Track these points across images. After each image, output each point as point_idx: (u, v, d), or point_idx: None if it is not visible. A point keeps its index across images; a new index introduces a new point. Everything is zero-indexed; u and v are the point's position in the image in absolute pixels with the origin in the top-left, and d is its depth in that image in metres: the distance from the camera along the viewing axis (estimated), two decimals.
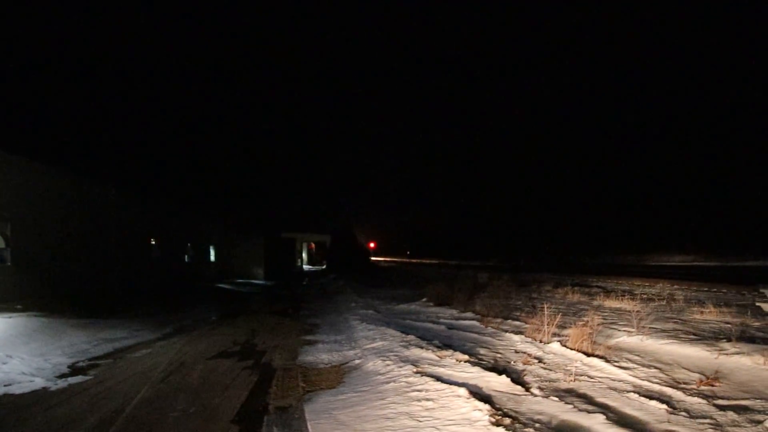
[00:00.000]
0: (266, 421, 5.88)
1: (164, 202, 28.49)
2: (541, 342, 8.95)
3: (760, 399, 5.53)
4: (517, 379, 6.73)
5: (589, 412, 5.24)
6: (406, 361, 7.90)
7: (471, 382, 6.47)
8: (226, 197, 50.42)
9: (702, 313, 10.90)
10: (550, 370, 7.23)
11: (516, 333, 9.94)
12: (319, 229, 60.84)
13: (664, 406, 5.40)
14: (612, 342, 8.78)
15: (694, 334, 8.90)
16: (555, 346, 8.48)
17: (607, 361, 7.44)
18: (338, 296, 22.44)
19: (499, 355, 8.37)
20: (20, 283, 14.45)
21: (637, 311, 9.98)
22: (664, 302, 12.94)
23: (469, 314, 13.01)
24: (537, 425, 5.05)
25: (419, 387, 6.37)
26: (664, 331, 9.29)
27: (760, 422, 4.85)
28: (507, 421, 5.10)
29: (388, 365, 7.80)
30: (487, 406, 5.38)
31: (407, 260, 79.15)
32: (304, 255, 65.18)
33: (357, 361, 8.73)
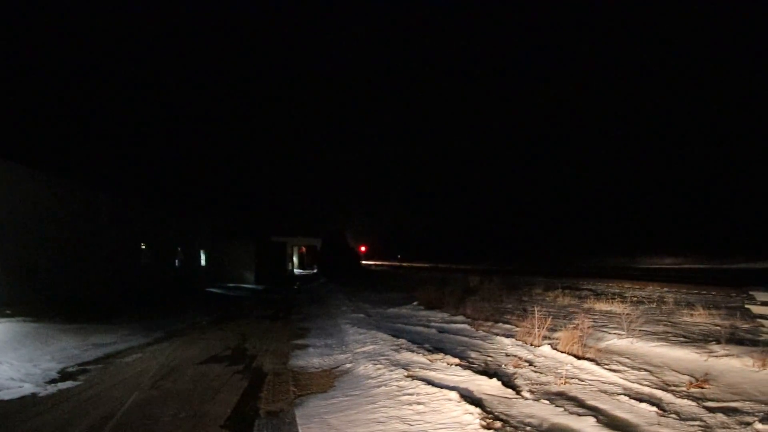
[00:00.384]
0: (257, 426, 5.85)
1: (154, 206, 28.35)
2: (531, 345, 8.97)
3: (749, 401, 5.57)
4: (508, 382, 6.73)
5: (579, 415, 5.25)
6: (397, 364, 7.89)
7: (462, 385, 6.47)
8: (216, 201, 50.32)
9: (692, 315, 10.97)
10: (541, 373, 7.24)
11: (507, 336, 9.96)
12: (310, 233, 60.71)
13: (655, 409, 5.42)
14: (602, 345, 8.82)
15: (684, 337, 8.95)
16: (546, 349, 8.50)
17: (598, 363, 7.46)
18: (329, 300, 22.41)
19: (489, 359, 8.38)
20: (9, 288, 14.33)
21: (628, 314, 10.02)
22: (654, 305, 13.01)
23: (460, 318, 13.02)
24: (528, 428, 5.06)
25: (410, 391, 6.37)
26: (654, 333, 9.33)
27: (749, 424, 4.87)
28: (498, 424, 5.10)
29: (379, 369, 7.79)
30: (477, 410, 5.38)
31: (398, 264, 79.05)
32: (295, 259, 65.07)
33: (348, 365, 8.72)
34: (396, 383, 6.83)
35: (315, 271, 57.80)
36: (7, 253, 14.45)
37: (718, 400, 5.72)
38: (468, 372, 7.08)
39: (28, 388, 7.70)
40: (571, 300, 15.33)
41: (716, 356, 7.17)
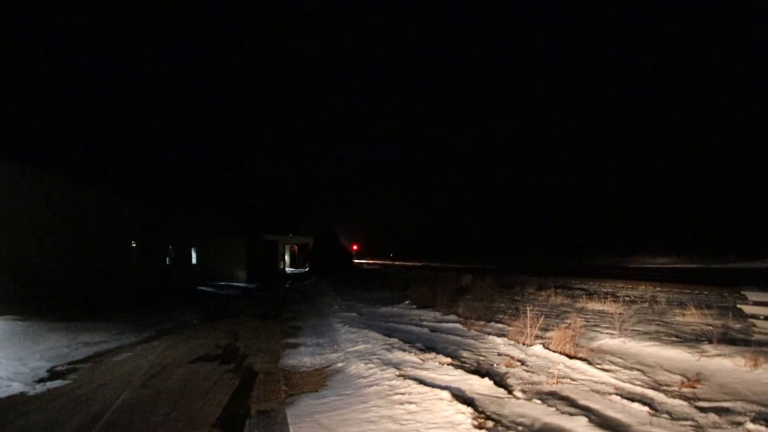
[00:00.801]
0: (248, 425, 5.82)
1: (145, 204, 28.23)
2: (524, 345, 8.96)
3: (741, 401, 5.57)
4: (500, 381, 6.72)
5: (571, 414, 5.23)
6: (389, 364, 7.87)
7: (454, 385, 6.45)
8: (208, 199, 50.19)
9: (684, 315, 10.99)
10: (533, 372, 7.23)
11: (499, 336, 9.95)
12: (302, 231, 60.72)
13: (646, 408, 5.42)
14: (595, 344, 8.82)
15: (676, 336, 8.97)
16: (538, 348, 8.49)
17: (590, 363, 7.45)
18: (321, 299, 22.37)
19: (482, 358, 8.36)
20: None
21: (620, 313, 10.03)
22: (646, 304, 13.04)
23: (452, 317, 13.00)
24: (519, 428, 5.04)
25: (402, 390, 6.34)
26: (646, 333, 9.35)
27: (740, 424, 4.87)
28: (490, 424, 5.08)
29: (370, 368, 7.76)
30: (469, 409, 5.36)
31: (390, 262, 79.04)
32: (287, 257, 65.03)
33: (340, 365, 8.69)
34: (388, 383, 6.81)
35: (307, 269, 57.75)
36: None
37: (710, 400, 5.72)
38: (460, 371, 7.06)
39: (16, 387, 7.63)
40: (563, 299, 15.35)
41: (708, 356, 7.17)
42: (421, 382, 6.59)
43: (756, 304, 9.02)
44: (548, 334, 9.29)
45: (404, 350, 8.76)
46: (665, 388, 6.27)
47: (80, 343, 11.18)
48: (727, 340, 8.25)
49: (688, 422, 5.08)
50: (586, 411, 5.43)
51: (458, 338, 10.27)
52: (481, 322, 11.83)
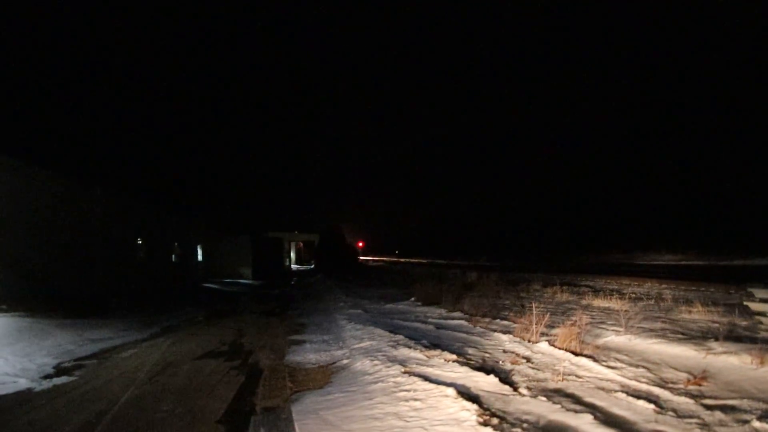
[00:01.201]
0: (253, 422, 5.82)
1: (151, 201, 28.30)
2: (529, 341, 8.94)
3: (748, 399, 5.54)
4: (505, 378, 6.70)
5: (576, 411, 5.22)
6: (394, 360, 7.87)
7: (459, 381, 6.44)
8: (213, 196, 50.24)
9: (690, 312, 10.94)
10: (539, 369, 7.21)
11: (504, 332, 9.93)
12: (308, 228, 60.77)
13: (652, 406, 5.40)
14: (600, 341, 8.79)
15: (682, 334, 8.93)
16: (543, 345, 8.47)
17: (596, 360, 7.43)
18: (326, 295, 22.38)
19: (487, 355, 8.35)
20: (5, 283, 14.26)
21: (626, 310, 10.01)
22: (652, 301, 12.98)
23: (457, 314, 12.99)
24: (525, 425, 5.03)
25: (407, 387, 6.34)
26: (652, 330, 9.31)
27: (747, 422, 4.84)
28: (495, 421, 5.07)
29: (376, 365, 7.76)
30: (475, 406, 5.35)
31: (396, 259, 79.11)
32: (292, 254, 65.06)
33: (345, 361, 8.69)
34: (393, 379, 6.80)
35: (312, 266, 57.82)
36: (3, 247, 14.38)
37: (716, 398, 5.69)
38: (465, 368, 7.05)
39: (23, 383, 7.67)
40: (569, 296, 15.31)
41: (714, 353, 7.14)
42: (427, 379, 6.58)
43: (762, 301, 8.97)
44: (554, 331, 9.27)
45: (409, 347, 8.75)
46: (671, 385, 6.24)
47: (86, 339, 11.23)
48: (734, 337, 8.20)
49: (694, 420, 5.05)
50: (592, 408, 5.41)
51: (463, 335, 10.26)
52: (487, 319, 11.81)
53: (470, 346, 9.06)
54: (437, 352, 8.31)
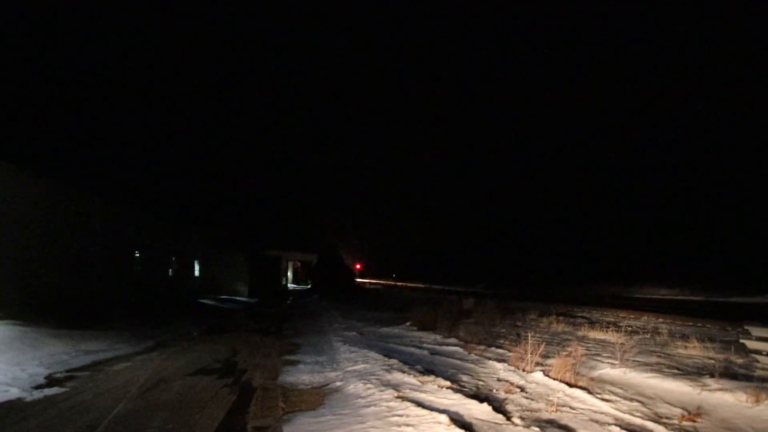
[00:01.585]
0: None
1: (149, 214, 28.29)
2: (524, 371, 8.91)
3: None
4: (499, 407, 6.67)
5: None
6: (388, 385, 7.83)
7: (452, 408, 6.41)
8: (212, 212, 50.21)
9: (686, 347, 10.93)
10: (532, 399, 7.19)
11: (499, 361, 9.90)
12: (306, 248, 60.59)
13: None
14: (595, 373, 8.77)
15: (678, 369, 8.91)
16: (538, 375, 8.44)
17: (590, 392, 7.41)
18: (322, 316, 22.32)
19: (481, 383, 8.32)
20: (0, 291, 14.24)
21: (622, 343, 9.98)
22: (648, 335, 12.97)
23: (452, 340, 12.96)
24: None
25: (400, 412, 6.31)
26: (647, 364, 9.29)
27: None
28: None
29: (369, 389, 7.73)
30: None
31: (393, 283, 78.80)
32: (290, 274, 64.92)
33: (338, 383, 8.65)
34: (386, 404, 6.77)
35: (309, 286, 57.64)
36: None
37: None
38: (459, 395, 7.03)
39: (14, 393, 7.64)
40: (565, 327, 15.28)
41: (710, 390, 7.13)
42: (420, 404, 6.55)
43: (759, 339, 8.95)
44: (549, 362, 9.24)
45: (403, 372, 8.72)
46: (665, 420, 6.22)
47: (80, 350, 11.18)
48: (729, 374, 8.19)
49: None
50: None
51: (458, 362, 10.23)
52: (482, 347, 11.78)
53: (464, 373, 9.03)
54: (431, 377, 8.28)
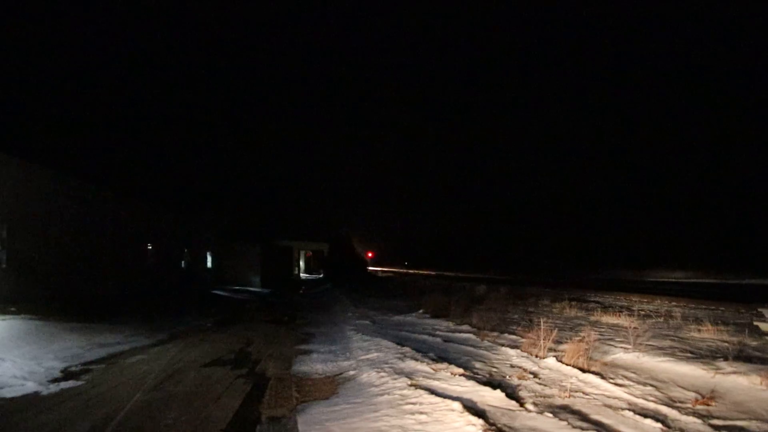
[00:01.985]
0: (259, 431, 5.83)
1: (162, 207, 28.42)
2: (537, 357, 8.91)
3: (756, 420, 5.50)
4: (512, 394, 6.68)
5: (583, 429, 5.19)
6: (401, 373, 7.85)
7: (465, 396, 6.42)
8: (224, 203, 50.40)
9: (699, 331, 10.87)
10: (546, 385, 7.18)
11: (512, 347, 9.90)
12: (317, 237, 60.67)
13: (659, 425, 5.36)
14: (608, 358, 8.75)
15: (691, 353, 8.87)
16: (551, 361, 8.43)
17: (603, 377, 7.40)
18: (334, 306, 22.38)
19: (494, 369, 8.33)
20: (15, 285, 14.38)
21: (635, 328, 9.95)
22: (661, 319, 12.92)
23: (465, 327, 12.96)
24: None
25: (413, 400, 6.33)
26: (660, 348, 9.25)
27: None
28: None
29: (382, 377, 7.75)
30: (480, 421, 5.33)
31: (405, 271, 78.84)
32: (302, 263, 65.06)
33: (351, 372, 8.67)
34: (399, 392, 6.79)
35: (321, 275, 57.78)
36: (14, 250, 14.50)
37: (723, 418, 5.65)
38: (472, 382, 7.03)
39: (30, 387, 7.70)
40: (577, 312, 15.25)
41: (723, 373, 7.09)
42: (433, 392, 6.57)
43: None
44: (561, 347, 9.23)
45: (416, 360, 8.74)
46: (679, 404, 6.20)
47: (94, 344, 11.27)
48: (743, 357, 8.14)
49: None
50: (598, 426, 5.38)
51: (471, 349, 10.23)
52: (495, 333, 11.79)
53: (477, 360, 9.03)
54: (444, 365, 8.29)
